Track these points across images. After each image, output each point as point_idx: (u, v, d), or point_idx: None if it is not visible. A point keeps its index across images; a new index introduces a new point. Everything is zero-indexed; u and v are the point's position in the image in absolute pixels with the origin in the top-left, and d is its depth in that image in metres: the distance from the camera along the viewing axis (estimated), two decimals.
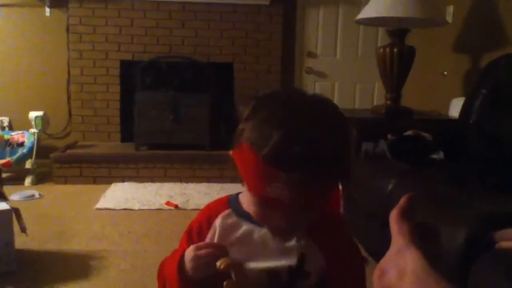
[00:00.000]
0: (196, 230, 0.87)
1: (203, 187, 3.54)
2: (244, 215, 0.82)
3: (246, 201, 0.80)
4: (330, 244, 0.82)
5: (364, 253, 2.21)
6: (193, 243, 0.84)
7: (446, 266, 1.19)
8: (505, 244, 1.15)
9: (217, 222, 0.84)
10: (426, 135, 2.21)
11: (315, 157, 0.69)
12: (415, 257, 0.55)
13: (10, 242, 2.01)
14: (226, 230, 0.83)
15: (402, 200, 0.63)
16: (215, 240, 0.83)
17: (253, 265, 0.81)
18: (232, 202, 0.87)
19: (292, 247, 0.80)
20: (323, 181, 0.71)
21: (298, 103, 0.75)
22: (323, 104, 0.76)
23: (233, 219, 0.84)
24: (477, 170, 1.93)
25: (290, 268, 0.79)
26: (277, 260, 0.80)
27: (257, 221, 0.80)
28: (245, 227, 0.82)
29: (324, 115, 0.74)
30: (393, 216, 0.62)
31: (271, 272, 0.80)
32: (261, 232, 0.81)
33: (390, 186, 1.84)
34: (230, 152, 0.77)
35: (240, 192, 0.87)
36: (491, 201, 1.45)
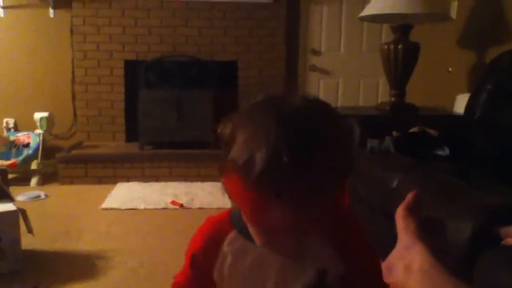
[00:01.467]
0: (203, 258, 0.80)
1: (208, 186, 3.54)
2: (251, 236, 0.74)
3: (249, 228, 0.70)
4: (349, 250, 0.77)
5: None
6: (203, 272, 0.79)
7: (452, 259, 1.19)
8: (511, 241, 1.14)
9: (226, 248, 0.78)
10: (431, 131, 2.20)
11: (308, 173, 0.59)
12: (421, 253, 0.55)
13: (17, 241, 2.02)
14: (236, 257, 0.77)
15: (408, 197, 0.63)
16: (226, 271, 0.78)
17: None
18: (235, 219, 0.78)
19: (310, 262, 0.74)
20: (324, 195, 0.62)
21: (284, 113, 0.63)
22: (311, 109, 0.66)
23: (240, 242, 0.77)
24: (483, 164, 1.92)
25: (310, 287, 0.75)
26: (297, 278, 0.75)
27: None
28: (256, 251, 0.75)
29: (314, 121, 0.64)
30: (399, 212, 0.62)
31: None
32: (275, 255, 0.73)
33: (395, 181, 1.83)
34: (221, 180, 0.68)
35: None
36: (498, 194, 1.44)
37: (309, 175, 0.59)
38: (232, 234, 0.78)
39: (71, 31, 3.95)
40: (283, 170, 0.58)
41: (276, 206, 0.60)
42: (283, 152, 0.58)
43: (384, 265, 0.60)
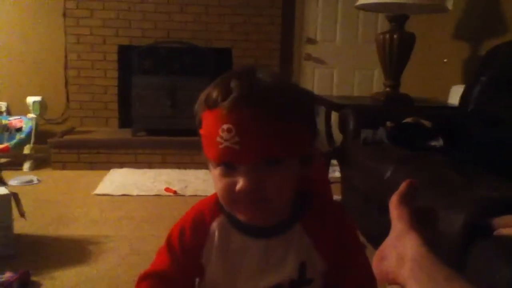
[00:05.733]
0: (190, 241, 0.79)
1: (201, 173, 3.53)
2: (237, 224, 0.77)
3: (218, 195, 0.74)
4: (330, 242, 0.77)
5: (361, 239, 2.22)
6: (189, 255, 0.79)
7: (445, 250, 1.20)
8: (504, 231, 1.15)
9: (215, 227, 0.78)
10: (425, 122, 2.20)
11: (255, 91, 0.67)
12: (414, 242, 0.55)
13: (9, 226, 2.02)
14: (223, 240, 0.78)
15: (402, 186, 0.63)
16: (214, 250, 0.78)
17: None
18: (222, 206, 0.78)
19: (291, 255, 0.76)
20: (272, 121, 0.66)
21: (246, 70, 0.75)
22: (281, 77, 0.75)
23: (227, 227, 0.78)
24: (476, 156, 1.93)
25: (291, 280, 0.76)
26: (277, 271, 0.76)
27: (251, 228, 0.76)
28: (240, 239, 0.77)
29: (280, 82, 0.72)
30: (393, 201, 0.62)
31: None
32: (258, 244, 0.76)
33: (388, 172, 1.84)
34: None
35: None
36: (490, 186, 1.45)
37: (254, 96, 0.67)
38: (220, 218, 0.79)
39: (64, 14, 3.89)
40: (232, 85, 0.69)
41: (227, 121, 0.66)
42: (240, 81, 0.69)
43: (377, 253, 0.60)
